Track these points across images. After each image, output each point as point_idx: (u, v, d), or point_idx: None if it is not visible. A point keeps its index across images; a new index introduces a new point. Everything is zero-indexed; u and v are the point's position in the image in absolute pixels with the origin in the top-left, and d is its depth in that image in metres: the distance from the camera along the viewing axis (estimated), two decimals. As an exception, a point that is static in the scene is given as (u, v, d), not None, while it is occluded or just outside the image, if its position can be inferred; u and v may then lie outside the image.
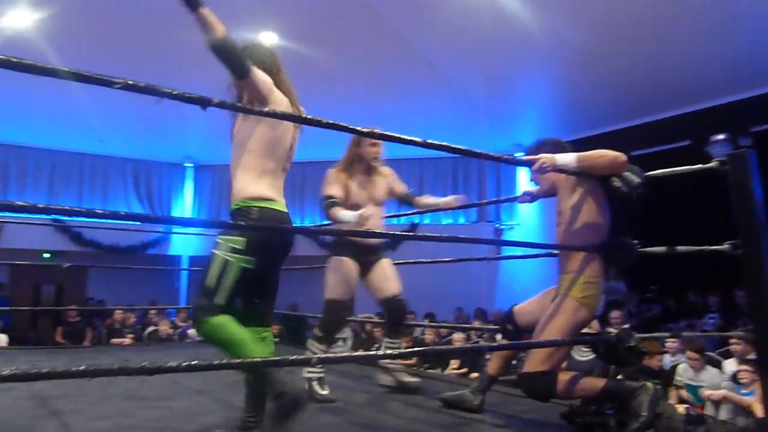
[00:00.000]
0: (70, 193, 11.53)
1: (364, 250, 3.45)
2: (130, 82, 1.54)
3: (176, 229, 10.72)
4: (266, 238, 2.18)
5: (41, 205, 1.48)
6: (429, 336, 7.22)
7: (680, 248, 2.72)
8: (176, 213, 12.65)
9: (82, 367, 1.37)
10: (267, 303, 2.37)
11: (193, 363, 1.50)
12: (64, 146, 11.33)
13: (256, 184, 2.21)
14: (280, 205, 2.26)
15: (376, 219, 3.41)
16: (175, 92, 1.69)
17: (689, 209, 7.89)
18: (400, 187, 3.67)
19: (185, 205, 12.78)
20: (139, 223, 10.15)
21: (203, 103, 1.86)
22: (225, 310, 2.13)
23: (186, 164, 12.75)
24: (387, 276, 3.48)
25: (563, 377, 2.47)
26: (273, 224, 2.21)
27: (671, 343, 5.46)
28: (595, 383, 2.50)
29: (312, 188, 11.91)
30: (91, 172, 11.82)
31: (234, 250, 2.14)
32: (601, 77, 7.93)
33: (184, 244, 11.79)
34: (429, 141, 2.17)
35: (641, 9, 6.48)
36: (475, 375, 2.89)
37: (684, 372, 4.98)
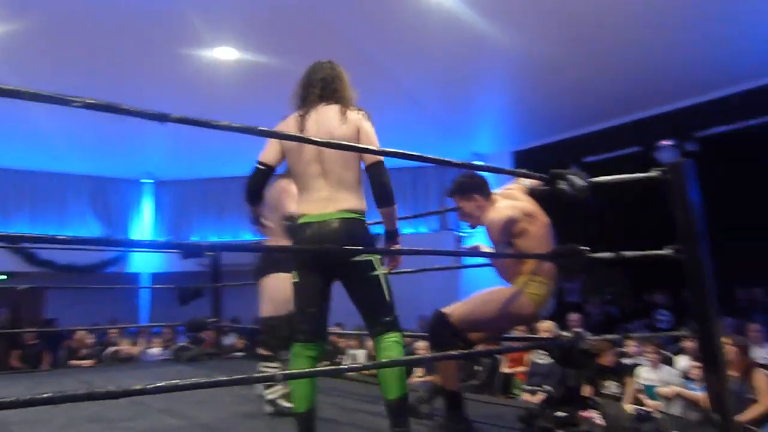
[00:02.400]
0: (22, 212, 11.26)
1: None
2: (88, 101, 1.51)
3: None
4: None
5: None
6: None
7: (627, 253, 2.84)
8: (134, 230, 12.45)
9: (47, 394, 1.38)
10: None
11: (158, 385, 1.53)
12: (15, 165, 11.08)
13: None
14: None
15: None
16: (133, 109, 1.64)
17: (639, 213, 8.18)
18: None
19: (143, 221, 12.59)
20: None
21: (162, 118, 1.83)
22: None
23: (144, 180, 12.57)
24: None
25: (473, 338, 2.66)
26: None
27: (632, 348, 5.67)
28: (453, 373, 2.71)
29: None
30: (45, 190, 11.56)
31: (382, 263, 2.36)
32: (554, 88, 8.16)
33: (144, 262, 11.62)
34: (389, 149, 2.22)
35: (591, 24, 6.72)
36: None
37: (642, 373, 5.16)
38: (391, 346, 2.33)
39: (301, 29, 7.23)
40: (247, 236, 11.98)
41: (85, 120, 8.16)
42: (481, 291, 2.75)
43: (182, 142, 9.71)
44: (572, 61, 7.49)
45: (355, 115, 2.40)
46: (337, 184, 2.32)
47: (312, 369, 2.35)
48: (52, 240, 1.70)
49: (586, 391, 4.95)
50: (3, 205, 11.15)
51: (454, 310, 2.64)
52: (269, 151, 2.48)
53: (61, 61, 7.40)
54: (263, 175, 2.52)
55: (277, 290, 3.30)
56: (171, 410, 3.31)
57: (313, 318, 2.37)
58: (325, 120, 2.37)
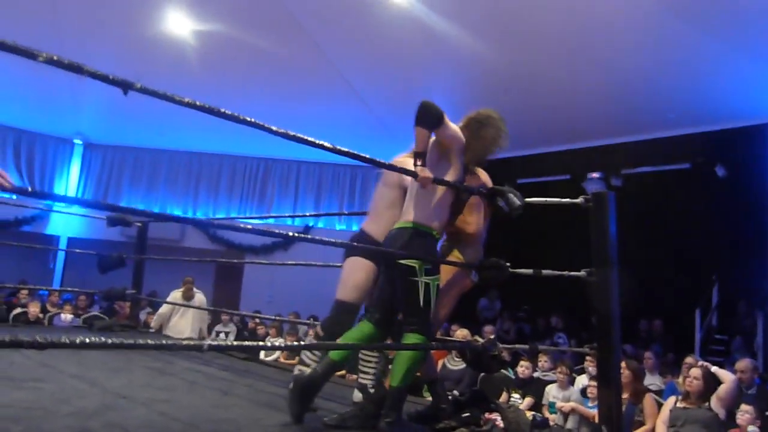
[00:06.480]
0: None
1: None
2: (54, 57, 1.49)
3: (58, 207, 10.08)
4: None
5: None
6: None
7: (545, 272, 3.05)
8: (59, 191, 11.91)
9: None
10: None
11: (88, 341, 1.55)
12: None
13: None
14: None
15: None
16: (96, 72, 1.63)
17: (567, 237, 8.58)
18: None
19: (70, 183, 12.08)
20: (14, 196, 9.51)
21: (125, 86, 1.80)
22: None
23: (75, 140, 12.07)
24: None
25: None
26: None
27: (543, 363, 5.98)
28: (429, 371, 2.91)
29: (207, 180, 11.82)
30: (-35, 136, 10.95)
31: (428, 272, 2.53)
32: (498, 107, 8.44)
33: (63, 224, 11.16)
34: (338, 147, 2.30)
35: (543, 48, 7.04)
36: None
37: (552, 391, 5.43)
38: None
39: (263, 19, 7.22)
40: (176, 210, 11.73)
41: (16, 70, 7.82)
42: None
43: (116, 106, 9.41)
44: (518, 82, 7.79)
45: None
46: (413, 201, 2.68)
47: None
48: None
49: (501, 397, 5.20)
50: None
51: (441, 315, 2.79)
52: None
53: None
54: None
55: (348, 275, 3.05)
56: (81, 376, 3.26)
57: (380, 306, 2.69)
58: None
